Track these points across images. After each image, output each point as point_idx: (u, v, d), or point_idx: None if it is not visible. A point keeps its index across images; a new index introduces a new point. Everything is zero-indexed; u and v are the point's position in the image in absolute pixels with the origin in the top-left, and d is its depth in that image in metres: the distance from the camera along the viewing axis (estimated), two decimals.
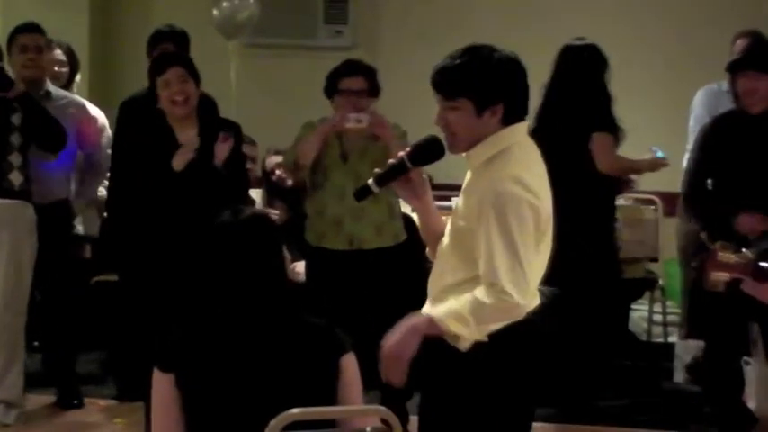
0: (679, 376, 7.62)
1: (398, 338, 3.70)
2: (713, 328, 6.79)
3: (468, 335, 3.69)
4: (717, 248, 3.52)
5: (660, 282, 8.24)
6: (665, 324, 8.53)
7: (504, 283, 3.63)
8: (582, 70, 7.45)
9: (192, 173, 6.31)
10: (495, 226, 3.68)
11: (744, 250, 3.46)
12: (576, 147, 7.25)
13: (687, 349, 7.59)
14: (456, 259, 3.85)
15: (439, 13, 10.04)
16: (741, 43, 7.58)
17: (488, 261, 3.67)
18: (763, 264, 3.42)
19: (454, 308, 3.70)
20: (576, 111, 7.36)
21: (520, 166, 3.77)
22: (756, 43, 7.30)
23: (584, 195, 7.21)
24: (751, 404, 6.83)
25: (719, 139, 6.73)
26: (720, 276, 3.51)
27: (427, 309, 3.84)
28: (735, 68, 6.74)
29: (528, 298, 3.72)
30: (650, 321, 8.45)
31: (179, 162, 6.23)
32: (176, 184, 6.32)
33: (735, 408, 6.74)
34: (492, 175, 3.75)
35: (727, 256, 3.52)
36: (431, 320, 3.70)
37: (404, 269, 6.64)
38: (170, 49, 7.32)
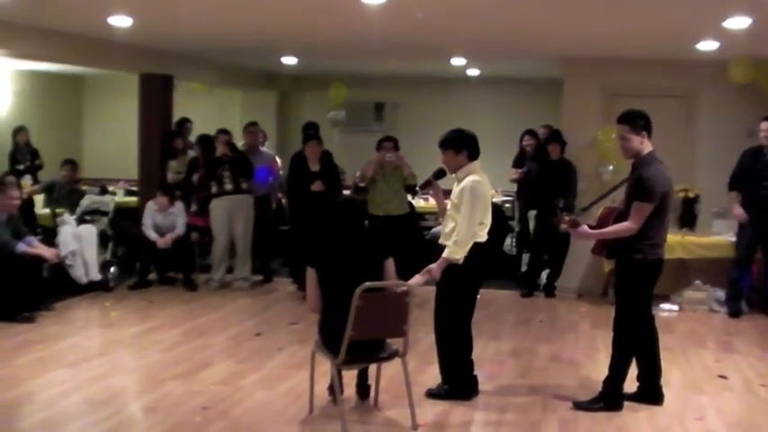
0: (524, 267, 7.35)
1: (436, 266, 3.69)
2: (531, 248, 6.96)
3: (458, 256, 3.68)
4: (564, 215, 3.77)
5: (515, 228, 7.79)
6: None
7: (467, 228, 3.66)
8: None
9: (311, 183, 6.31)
10: (468, 203, 3.67)
11: (573, 216, 3.72)
12: None
13: (526, 256, 7.44)
14: (450, 219, 3.79)
15: (427, 115, 9.57)
16: (545, 130, 7.35)
17: (463, 218, 3.68)
18: (573, 219, 3.65)
19: (450, 249, 3.69)
20: None
21: (477, 177, 3.75)
22: (553, 130, 6.99)
23: None
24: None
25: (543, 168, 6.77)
26: (564, 226, 3.68)
27: (443, 241, 3.76)
28: (546, 141, 6.87)
29: (478, 235, 3.70)
30: (512, 245, 7.83)
31: (317, 186, 6.26)
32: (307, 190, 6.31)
33: (536, 279, 6.97)
34: (466, 181, 3.76)
35: (567, 219, 3.69)
36: (445, 259, 3.70)
37: (407, 224, 6.57)
38: (313, 131, 7.22)
